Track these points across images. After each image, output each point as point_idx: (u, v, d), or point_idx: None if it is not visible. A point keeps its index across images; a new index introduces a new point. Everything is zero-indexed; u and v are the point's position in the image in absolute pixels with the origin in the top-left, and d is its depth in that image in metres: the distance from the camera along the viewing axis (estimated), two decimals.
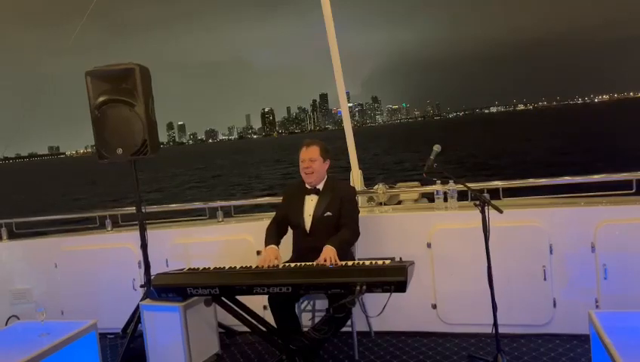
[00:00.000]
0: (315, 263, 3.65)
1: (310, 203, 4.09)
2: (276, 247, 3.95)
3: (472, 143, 50.92)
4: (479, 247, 3.62)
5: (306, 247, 3.90)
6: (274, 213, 4.45)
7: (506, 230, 4.18)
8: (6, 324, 4.47)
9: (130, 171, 4.60)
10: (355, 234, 4.02)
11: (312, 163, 4.07)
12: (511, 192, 4.70)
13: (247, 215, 5.60)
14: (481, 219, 3.56)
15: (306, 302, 4.32)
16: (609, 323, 2.88)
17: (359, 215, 4.11)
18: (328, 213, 4.01)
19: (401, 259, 3.54)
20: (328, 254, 3.66)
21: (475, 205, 3.61)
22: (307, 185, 4.14)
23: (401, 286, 3.30)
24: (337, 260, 3.63)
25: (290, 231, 4.20)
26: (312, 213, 4.05)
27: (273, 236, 4.04)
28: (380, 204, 5.10)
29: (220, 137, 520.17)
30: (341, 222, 3.99)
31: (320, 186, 4.13)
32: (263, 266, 3.71)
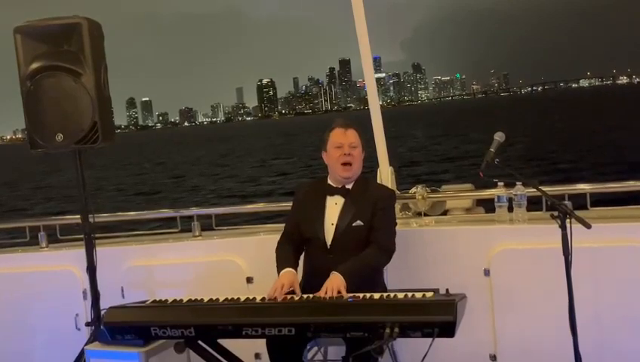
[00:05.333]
0: (311, 296, 3.72)
1: (334, 207, 4.13)
2: (294, 272, 4.00)
3: (551, 131, 50.64)
4: (557, 276, 3.62)
5: (324, 269, 3.92)
6: (274, 226, 4.48)
7: (595, 252, 4.18)
8: None
9: (72, 165, 4.65)
10: (387, 253, 4.06)
11: (352, 150, 4.09)
12: (603, 200, 4.69)
13: (234, 228, 5.64)
14: (561, 237, 3.56)
15: (315, 349, 4.35)
16: None
17: None
18: (358, 222, 4.05)
19: (447, 290, 3.57)
20: (330, 285, 3.72)
21: (553, 217, 3.62)
22: (332, 183, 4.17)
23: (448, 329, 3.32)
24: (342, 293, 3.67)
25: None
26: (335, 222, 4.08)
27: (288, 256, 4.09)
28: (419, 214, 5.10)
29: (200, 119, 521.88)
30: (370, 235, 4.04)
31: (349, 185, 4.15)
32: (273, 298, 3.75)
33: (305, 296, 3.79)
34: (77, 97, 4.40)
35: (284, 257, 4.09)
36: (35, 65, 4.42)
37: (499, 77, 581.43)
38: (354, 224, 4.05)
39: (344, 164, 4.09)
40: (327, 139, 4.18)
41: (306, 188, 4.35)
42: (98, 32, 4.50)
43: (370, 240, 4.04)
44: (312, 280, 4.02)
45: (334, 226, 4.08)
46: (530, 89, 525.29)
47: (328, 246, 4.08)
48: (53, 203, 31.09)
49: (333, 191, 4.15)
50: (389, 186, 5.11)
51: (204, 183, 37.96)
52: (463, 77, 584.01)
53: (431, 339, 3.35)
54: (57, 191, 35.65)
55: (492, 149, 3.76)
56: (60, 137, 4.44)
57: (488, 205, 4.97)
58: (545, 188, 4.04)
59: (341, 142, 4.10)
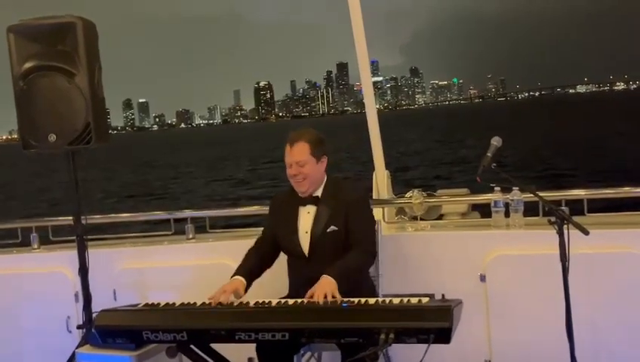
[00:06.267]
0: (304, 300, 3.69)
1: (307, 216, 4.11)
2: (242, 280, 3.99)
3: (547, 135, 50.78)
4: (554, 282, 3.61)
5: (305, 278, 3.91)
6: None
7: (592, 258, 4.17)
8: None
9: (66, 166, 4.62)
10: (369, 255, 4.05)
11: (300, 168, 4.04)
12: (600, 206, 4.68)
13: (228, 231, 5.62)
14: (558, 243, 3.56)
15: (308, 355, 4.32)
16: None
17: (384, 234, 4.12)
18: (333, 228, 4.03)
19: (443, 296, 3.55)
20: (323, 289, 3.67)
21: (550, 222, 3.61)
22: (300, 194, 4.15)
23: (443, 336, 3.30)
24: (337, 296, 3.65)
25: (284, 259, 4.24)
26: (309, 230, 4.07)
27: (247, 264, 4.11)
28: (415, 218, 5.10)
29: (197, 121, 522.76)
30: (350, 239, 4.02)
31: (318, 193, 4.13)
32: (213, 303, 3.76)
33: (299, 300, 3.76)
34: (70, 98, 4.38)
35: (243, 265, 4.11)
36: (28, 65, 4.41)
37: (496, 82, 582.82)
38: (328, 230, 4.03)
39: (294, 182, 4.08)
40: None
41: (280, 200, 4.31)
42: (92, 31, 4.49)
43: (351, 244, 4.01)
44: (297, 290, 4.00)
45: (309, 234, 4.07)
46: (527, 94, 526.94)
47: (306, 255, 4.08)
48: (45, 204, 30.99)
49: (305, 201, 4.12)
50: (385, 190, 5.11)
51: (197, 186, 37.96)
52: (461, 81, 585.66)
53: (426, 346, 3.32)
54: (51, 193, 35.55)
55: (489, 154, 3.75)
56: (52, 138, 4.42)
57: (484, 210, 4.96)
58: (542, 194, 4.02)
59: (288, 162, 4.08)
